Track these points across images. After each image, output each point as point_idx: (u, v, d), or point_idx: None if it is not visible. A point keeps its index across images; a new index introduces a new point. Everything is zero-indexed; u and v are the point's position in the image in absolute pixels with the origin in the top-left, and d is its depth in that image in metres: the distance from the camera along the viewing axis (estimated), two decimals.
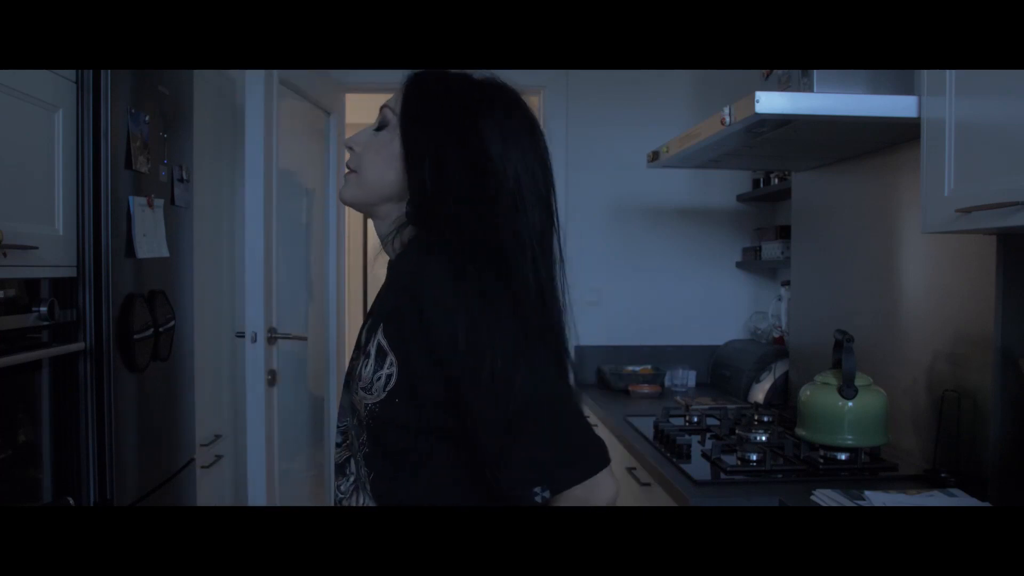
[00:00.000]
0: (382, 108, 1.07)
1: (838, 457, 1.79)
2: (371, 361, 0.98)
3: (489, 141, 0.99)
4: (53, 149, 1.73)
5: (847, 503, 1.49)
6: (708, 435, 2.13)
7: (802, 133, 1.88)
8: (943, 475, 1.66)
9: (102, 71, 1.82)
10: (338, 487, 1.08)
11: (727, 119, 1.79)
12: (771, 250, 2.96)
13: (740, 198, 3.24)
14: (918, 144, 1.54)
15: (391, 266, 1.06)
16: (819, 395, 1.82)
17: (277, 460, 2.57)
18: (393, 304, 0.99)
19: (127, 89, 1.92)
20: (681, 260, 3.27)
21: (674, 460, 1.88)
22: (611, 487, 0.96)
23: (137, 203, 1.96)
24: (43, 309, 1.65)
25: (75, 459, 1.81)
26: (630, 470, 2.12)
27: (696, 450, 1.95)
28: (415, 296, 0.95)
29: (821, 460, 1.79)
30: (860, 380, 1.80)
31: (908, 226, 1.98)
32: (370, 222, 1.14)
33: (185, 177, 2.32)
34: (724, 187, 3.24)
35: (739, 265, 3.27)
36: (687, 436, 2.01)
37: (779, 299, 3.00)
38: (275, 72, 2.49)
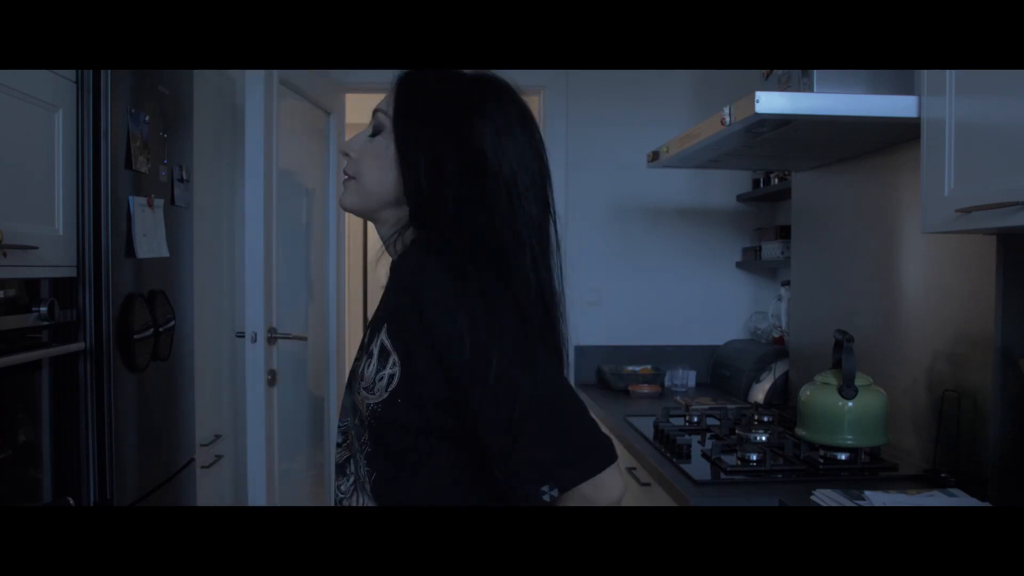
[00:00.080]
0: (375, 112, 1.07)
1: (838, 457, 1.79)
2: (374, 361, 0.98)
3: (482, 137, 0.99)
4: (53, 149, 1.73)
5: (847, 503, 1.49)
6: (708, 435, 2.13)
7: (802, 133, 1.88)
8: (943, 475, 1.66)
9: (102, 71, 1.82)
10: (338, 487, 1.08)
11: (727, 119, 1.79)
12: (771, 250, 2.96)
13: (740, 198, 3.24)
14: (918, 144, 1.54)
15: (393, 266, 1.06)
16: (819, 395, 1.82)
17: (277, 460, 2.57)
18: (395, 304, 0.99)
19: (127, 89, 1.92)
20: (681, 260, 3.27)
21: (674, 460, 1.88)
22: (619, 484, 0.96)
23: (137, 203, 1.96)
24: (43, 309, 1.65)
25: (75, 459, 1.81)
26: (630, 470, 2.12)
27: (696, 450, 1.95)
28: (416, 297, 0.95)
29: (821, 460, 1.79)
30: (860, 380, 1.80)
31: (908, 226, 1.98)
32: (371, 223, 1.14)
33: (185, 177, 2.32)
34: (724, 187, 3.24)
35: (739, 265, 3.27)
36: (687, 436, 2.01)
37: (779, 299, 3.00)
38: (275, 72, 2.49)
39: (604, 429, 1.01)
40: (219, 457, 2.74)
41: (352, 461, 1.06)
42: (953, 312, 1.79)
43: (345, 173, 1.09)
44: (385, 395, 0.97)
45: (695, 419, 2.32)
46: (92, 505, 1.82)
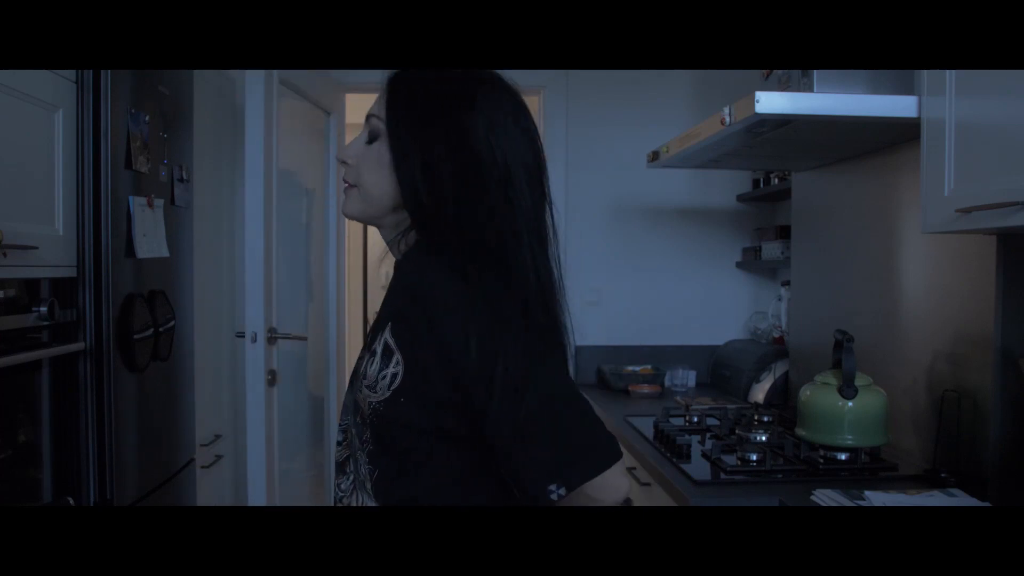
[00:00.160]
0: (369, 117, 1.06)
1: (838, 457, 1.79)
2: (377, 359, 0.99)
3: (476, 134, 0.99)
4: (53, 149, 1.73)
5: (847, 503, 1.49)
6: (708, 435, 2.13)
7: (802, 133, 1.88)
8: (943, 475, 1.66)
9: (102, 71, 1.82)
10: (338, 485, 1.08)
11: (727, 119, 1.79)
12: (771, 250, 2.96)
13: (740, 198, 3.24)
14: (918, 144, 1.54)
15: (397, 267, 1.07)
16: (819, 395, 1.82)
17: (277, 460, 2.57)
18: (400, 305, 0.99)
19: (127, 89, 1.92)
20: (681, 260, 3.27)
21: (674, 460, 1.88)
22: (624, 484, 0.97)
23: (137, 203, 1.96)
24: (43, 309, 1.65)
25: (75, 459, 1.81)
26: (630, 470, 2.12)
27: (696, 450, 1.95)
28: (421, 298, 0.95)
29: (821, 460, 1.79)
30: (860, 380, 1.80)
31: (908, 226, 1.98)
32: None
33: (185, 177, 2.32)
34: (724, 187, 3.24)
35: (739, 265, 3.27)
36: (687, 436, 2.01)
37: (779, 299, 3.00)
38: (275, 72, 2.49)
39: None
40: (219, 457, 2.74)
41: (352, 460, 1.06)
42: (953, 312, 1.79)
43: (345, 181, 1.09)
44: (388, 394, 0.97)
45: (695, 419, 2.32)
46: (92, 505, 1.82)
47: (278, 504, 2.59)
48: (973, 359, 1.72)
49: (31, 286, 1.66)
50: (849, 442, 1.78)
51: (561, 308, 1.04)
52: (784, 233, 2.87)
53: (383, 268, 1.08)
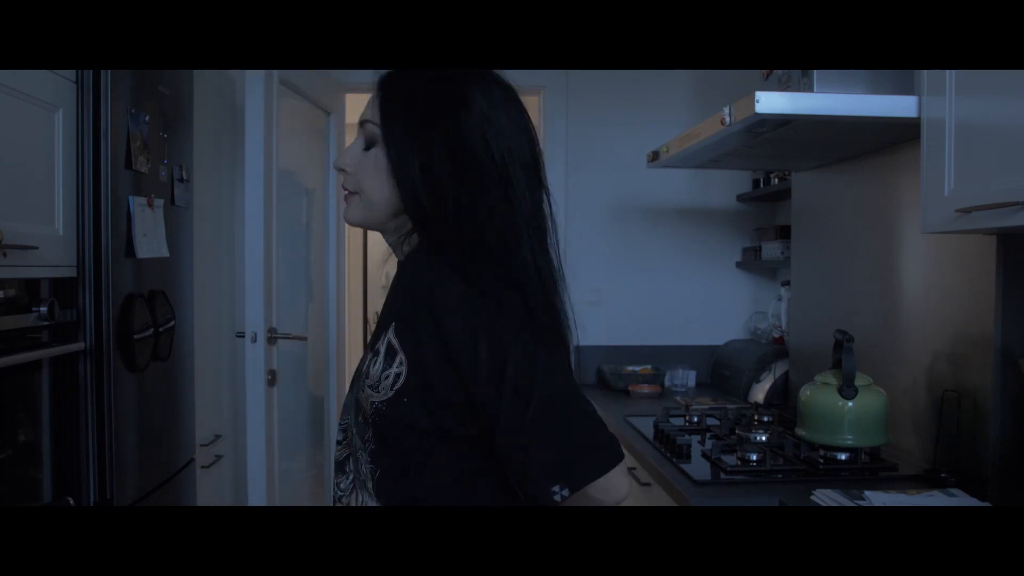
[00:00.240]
0: (364, 123, 1.05)
1: (838, 457, 1.79)
2: (380, 359, 0.99)
3: (471, 132, 0.99)
4: (53, 149, 1.73)
5: (847, 503, 1.49)
6: (708, 435, 2.13)
7: (802, 133, 1.88)
8: (943, 475, 1.66)
9: (102, 71, 1.82)
10: (337, 485, 1.08)
11: (727, 119, 1.79)
12: (771, 250, 2.96)
13: (740, 198, 3.24)
14: (918, 144, 1.54)
15: (400, 267, 1.07)
16: (819, 395, 1.82)
17: (277, 460, 2.57)
18: (403, 305, 0.99)
19: (127, 89, 1.92)
20: (681, 260, 3.27)
21: (674, 460, 1.88)
22: (625, 485, 0.97)
23: (137, 203, 1.96)
24: (43, 309, 1.65)
25: (75, 459, 1.81)
26: (630, 470, 2.11)
27: (696, 450, 1.95)
28: (425, 300, 0.95)
29: (821, 460, 1.79)
30: (860, 380, 1.80)
31: (908, 226, 1.98)
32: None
33: (185, 177, 2.32)
34: (724, 187, 3.24)
35: (739, 265, 3.27)
36: (687, 436, 2.01)
37: (779, 299, 3.00)
38: (275, 72, 2.49)
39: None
40: (219, 457, 2.74)
41: (352, 459, 1.06)
42: (953, 312, 1.79)
43: (345, 189, 1.08)
44: (390, 394, 0.97)
45: (695, 419, 2.32)
46: (92, 505, 1.82)
47: (278, 504, 2.59)
48: (973, 359, 1.72)
49: (31, 286, 1.66)
50: (849, 442, 1.78)
51: (562, 300, 1.04)
52: (784, 233, 2.87)
53: (384, 268, 1.07)
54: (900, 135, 1.86)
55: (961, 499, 1.53)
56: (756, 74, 2.04)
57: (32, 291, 1.66)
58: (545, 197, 1.05)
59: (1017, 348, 1.62)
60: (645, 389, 2.94)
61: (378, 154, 1.04)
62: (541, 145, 1.08)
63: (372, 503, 1.02)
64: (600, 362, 3.18)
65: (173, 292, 2.23)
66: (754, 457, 1.81)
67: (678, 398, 2.80)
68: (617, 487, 0.96)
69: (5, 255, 1.52)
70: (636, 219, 3.26)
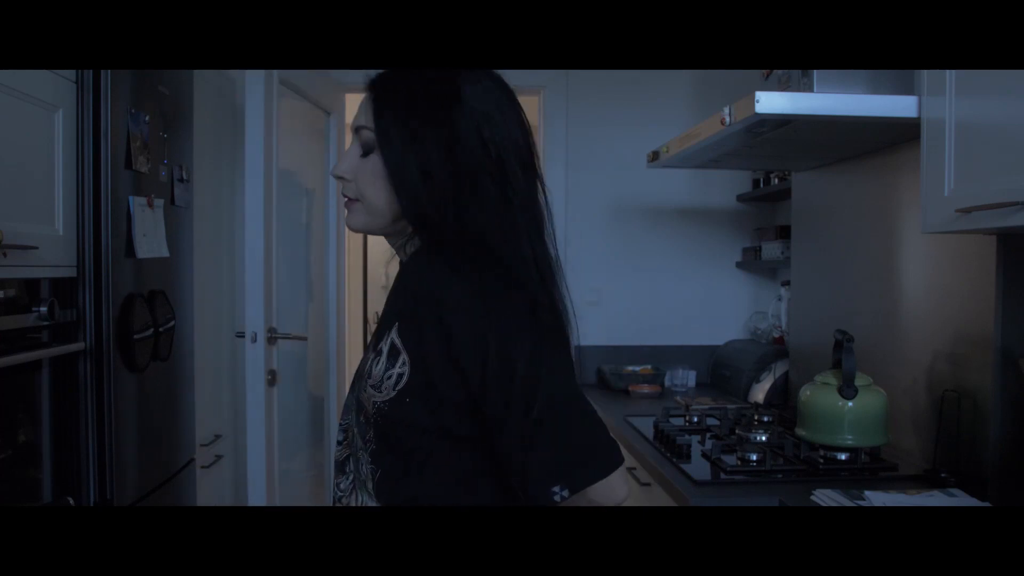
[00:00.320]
0: (359, 130, 1.04)
1: (838, 457, 1.79)
2: (383, 359, 0.98)
3: (467, 134, 0.99)
4: (53, 149, 1.73)
5: (847, 503, 1.49)
6: (708, 435, 2.13)
7: (802, 133, 1.88)
8: (943, 475, 1.66)
9: (102, 71, 1.82)
10: (337, 485, 1.08)
11: (727, 119, 1.79)
12: (771, 250, 2.96)
13: (740, 198, 3.24)
14: (918, 144, 1.54)
15: (403, 267, 1.07)
16: (819, 395, 1.82)
17: (277, 460, 2.57)
18: (405, 305, 0.99)
19: (127, 89, 1.92)
20: (681, 260, 3.27)
21: (674, 460, 1.88)
22: (623, 488, 0.97)
23: (137, 203, 1.96)
24: (43, 309, 1.65)
25: (75, 459, 1.81)
26: (630, 470, 2.12)
27: (696, 450, 1.95)
28: (428, 300, 0.95)
29: (821, 460, 1.79)
30: (860, 380, 1.80)
31: (908, 226, 1.98)
32: None
33: (185, 177, 2.32)
34: (724, 187, 3.24)
35: (739, 265, 3.27)
36: (687, 436, 2.01)
37: (779, 299, 3.00)
38: (275, 72, 2.49)
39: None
40: (219, 457, 2.74)
41: (352, 459, 1.06)
42: (953, 312, 1.79)
43: (345, 196, 1.08)
44: (393, 393, 0.97)
45: (695, 419, 2.32)
46: (92, 505, 1.82)
47: (278, 504, 2.59)
48: (973, 359, 1.72)
49: (31, 286, 1.66)
50: (849, 442, 1.78)
51: (561, 293, 1.04)
52: (784, 233, 2.87)
53: (384, 268, 1.07)
54: (900, 135, 1.86)
55: (961, 499, 1.53)
56: (756, 74, 2.04)
57: (32, 291, 1.66)
58: (539, 185, 1.05)
59: (1017, 348, 1.61)
60: (645, 389, 2.94)
61: (376, 161, 1.03)
62: (540, 144, 1.08)
63: (372, 503, 1.02)
64: (600, 362, 3.18)
65: (173, 292, 2.23)
66: (754, 457, 1.81)
67: (678, 398, 2.80)
68: (616, 490, 0.96)
69: (5, 255, 1.52)
70: (636, 219, 3.26)
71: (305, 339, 2.97)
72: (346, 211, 1.10)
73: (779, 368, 2.73)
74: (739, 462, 1.81)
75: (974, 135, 1.38)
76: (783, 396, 2.67)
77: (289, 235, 2.85)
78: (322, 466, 3.20)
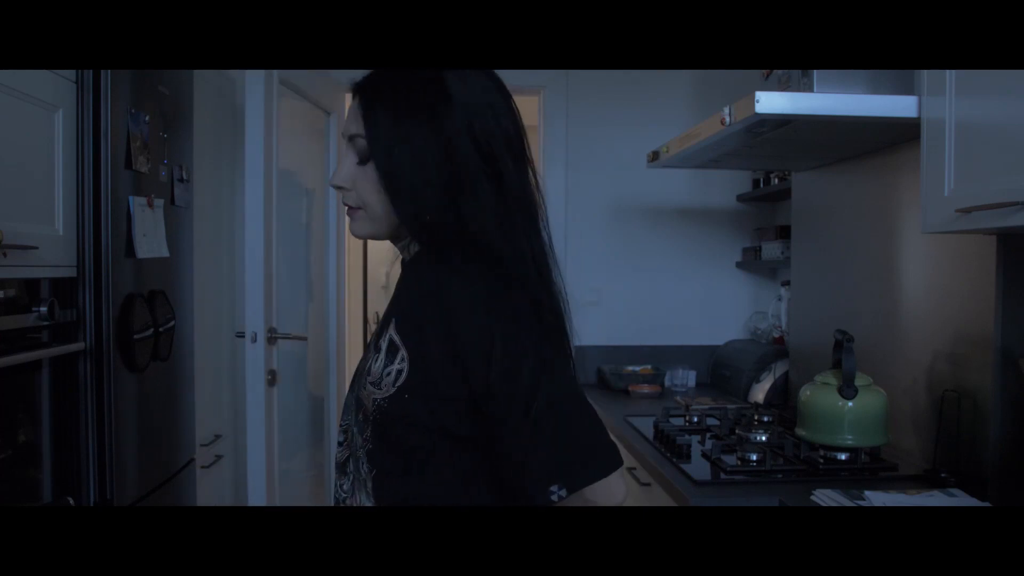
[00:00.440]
0: (353, 138, 1.04)
1: (838, 457, 1.79)
2: (382, 356, 0.99)
3: (460, 135, 0.98)
4: (53, 149, 1.73)
5: (847, 503, 1.49)
6: (708, 435, 2.13)
7: (802, 133, 1.88)
8: (943, 475, 1.66)
9: (102, 71, 1.82)
10: (340, 486, 1.08)
11: (727, 119, 1.79)
12: (771, 250, 2.96)
13: (740, 198, 3.24)
14: (918, 144, 1.54)
15: (406, 267, 1.07)
16: (819, 395, 1.82)
17: (277, 460, 2.57)
18: (406, 304, 0.99)
19: (127, 89, 1.92)
20: (681, 260, 3.27)
21: (674, 460, 1.88)
22: (621, 489, 0.97)
23: (137, 203, 1.96)
24: (43, 309, 1.65)
25: (75, 459, 1.81)
26: (630, 470, 2.12)
27: (696, 450, 1.95)
28: (429, 298, 0.95)
29: (821, 460, 1.79)
30: (860, 380, 1.80)
31: (908, 226, 1.98)
32: None
33: (185, 177, 2.32)
34: (724, 187, 3.24)
35: (739, 265, 3.27)
36: (687, 436, 2.01)
37: (779, 299, 3.00)
38: (275, 72, 2.49)
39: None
40: (219, 457, 2.74)
41: (352, 460, 1.06)
42: (953, 312, 1.79)
43: (347, 204, 1.07)
44: (392, 390, 0.97)
45: (695, 419, 2.32)
46: (92, 505, 1.82)
47: (278, 504, 2.59)
48: (973, 359, 1.72)
49: (31, 286, 1.66)
50: (849, 442, 1.78)
51: (557, 284, 1.04)
52: (784, 233, 2.87)
53: (384, 268, 1.07)
54: (900, 135, 1.86)
55: (961, 499, 1.53)
56: (756, 74, 2.04)
57: (32, 291, 1.66)
58: (531, 172, 1.05)
59: (1017, 348, 1.61)
60: (645, 389, 2.94)
61: (374, 168, 1.03)
62: (540, 144, 1.08)
63: (370, 504, 1.01)
64: (600, 362, 3.18)
65: (173, 292, 2.23)
66: (754, 457, 1.81)
67: (678, 398, 2.80)
68: (614, 491, 0.96)
69: (5, 255, 1.52)
70: (636, 219, 3.26)
71: (305, 339, 2.97)
72: (349, 219, 1.09)
73: (779, 368, 2.73)
74: (739, 462, 1.81)
75: (974, 135, 1.38)
76: (783, 396, 2.67)
77: (289, 235, 2.85)
78: (322, 466, 3.20)
